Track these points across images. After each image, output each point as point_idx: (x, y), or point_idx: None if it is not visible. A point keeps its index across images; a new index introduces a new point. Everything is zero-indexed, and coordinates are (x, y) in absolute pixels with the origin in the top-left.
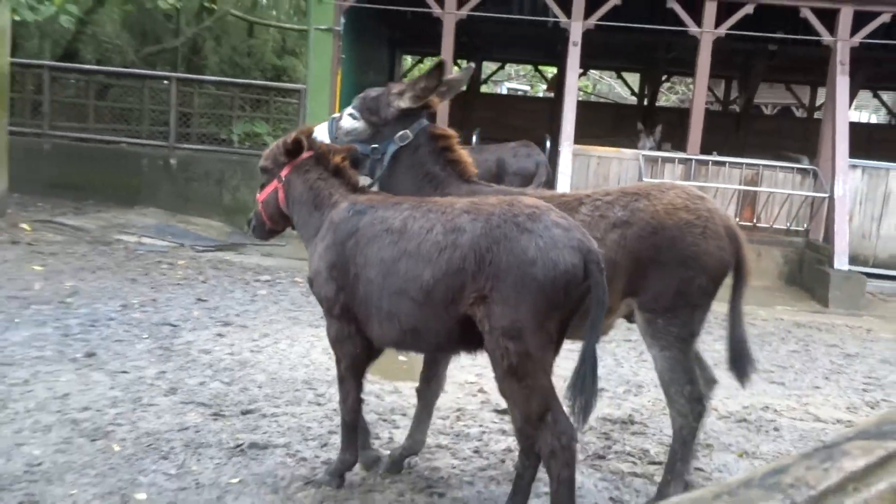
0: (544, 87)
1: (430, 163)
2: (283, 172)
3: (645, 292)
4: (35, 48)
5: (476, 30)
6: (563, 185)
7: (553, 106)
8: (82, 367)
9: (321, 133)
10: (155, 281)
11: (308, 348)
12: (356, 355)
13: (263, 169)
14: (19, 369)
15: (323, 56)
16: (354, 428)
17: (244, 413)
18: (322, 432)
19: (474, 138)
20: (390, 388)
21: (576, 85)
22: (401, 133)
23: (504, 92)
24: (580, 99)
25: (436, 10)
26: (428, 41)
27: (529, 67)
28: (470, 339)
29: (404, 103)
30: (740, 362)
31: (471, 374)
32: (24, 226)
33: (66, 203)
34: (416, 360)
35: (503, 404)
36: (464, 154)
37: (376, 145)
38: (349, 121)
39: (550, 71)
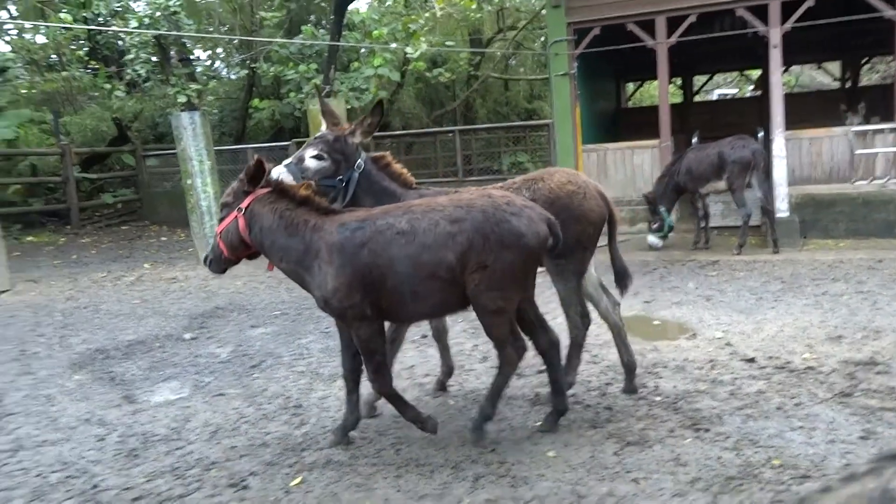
0: (751, 87)
1: (382, 180)
2: (243, 204)
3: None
4: None
5: (685, 51)
6: (780, 167)
7: (761, 103)
8: (421, 346)
9: (283, 176)
10: None
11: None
12: (383, 346)
13: (224, 204)
14: None
15: (563, 95)
16: (398, 394)
17: (539, 372)
18: (599, 384)
19: (694, 139)
20: (650, 347)
21: (780, 82)
22: (357, 162)
23: (714, 98)
24: (785, 92)
25: (649, 41)
26: (646, 68)
27: (736, 73)
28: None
29: (358, 139)
30: (622, 279)
31: (717, 331)
32: None
33: None
34: (669, 321)
35: (749, 354)
36: (400, 168)
37: (340, 177)
38: (315, 162)
39: (755, 73)
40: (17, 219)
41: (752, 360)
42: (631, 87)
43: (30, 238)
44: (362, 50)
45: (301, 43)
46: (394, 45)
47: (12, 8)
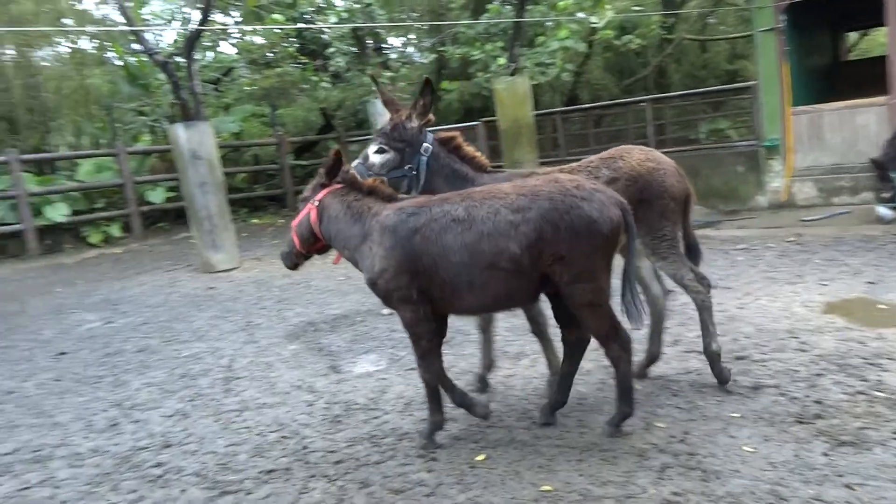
0: None
1: (452, 163)
2: (318, 197)
3: (640, 221)
4: (548, 100)
5: None
6: None
7: None
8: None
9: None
10: None
11: (788, 303)
12: (432, 331)
13: (303, 199)
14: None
15: (769, 53)
16: (438, 391)
17: (737, 359)
18: (808, 375)
19: None
20: (874, 335)
21: None
22: (424, 146)
23: None
24: None
25: None
26: (870, 13)
27: None
28: (537, 293)
29: (416, 122)
30: (692, 254)
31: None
32: None
33: None
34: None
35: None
36: (472, 149)
37: (409, 165)
38: (379, 157)
39: None
40: (244, 203)
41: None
42: (853, 37)
43: (254, 220)
44: (548, 23)
45: (486, 22)
46: (580, 16)
47: (235, 14)
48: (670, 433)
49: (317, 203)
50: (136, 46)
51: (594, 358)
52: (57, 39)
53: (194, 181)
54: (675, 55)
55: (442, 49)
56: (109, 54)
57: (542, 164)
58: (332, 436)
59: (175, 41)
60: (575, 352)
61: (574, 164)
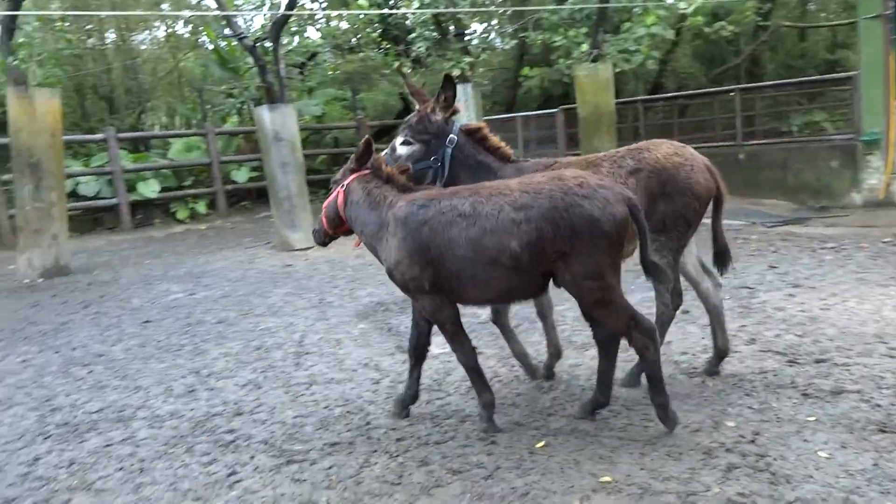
0: None
1: (477, 153)
2: (347, 181)
3: (653, 218)
4: (632, 88)
5: None
6: None
7: None
8: (679, 322)
9: None
10: (733, 253)
11: (878, 306)
12: (454, 315)
13: (334, 181)
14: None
15: (874, 41)
16: (479, 370)
17: (817, 361)
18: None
19: None
20: None
21: None
22: (449, 137)
23: None
24: None
25: None
26: None
27: None
28: (543, 288)
29: (440, 116)
30: (723, 259)
31: None
32: None
33: None
34: None
35: None
36: (497, 140)
37: (435, 156)
38: (404, 148)
39: None
40: (322, 185)
41: None
42: None
43: None
44: (635, 9)
45: (571, 7)
46: (668, 1)
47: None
48: (740, 433)
49: (344, 187)
50: (227, 31)
51: (663, 352)
52: (155, 24)
53: (276, 162)
54: (771, 43)
55: (524, 35)
56: (202, 38)
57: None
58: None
59: (263, 26)
60: (607, 349)
61: (600, 154)
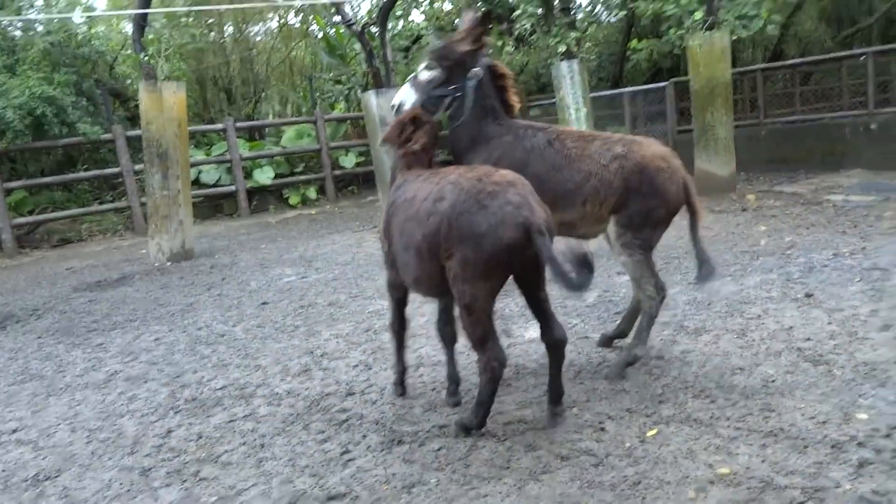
0: None
1: (490, 97)
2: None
3: (625, 212)
4: (749, 57)
5: None
6: None
7: None
8: (803, 306)
9: (404, 93)
10: (863, 232)
11: None
12: (398, 297)
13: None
14: (753, 306)
15: None
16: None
17: None
18: None
19: None
20: None
21: None
22: (475, 70)
23: None
24: None
25: None
26: None
27: None
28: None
29: (466, 47)
30: (704, 271)
31: None
32: (750, 196)
33: (782, 175)
34: None
35: None
36: (514, 92)
37: (454, 86)
38: (426, 73)
39: None
40: None
41: None
42: None
43: None
44: None
45: None
46: None
47: None
48: (873, 426)
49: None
50: (336, 18)
51: (784, 339)
52: (269, 15)
53: (383, 146)
54: None
55: (633, 5)
56: (312, 27)
57: (737, 126)
58: (501, 398)
59: (369, 12)
60: (554, 353)
61: (596, 133)
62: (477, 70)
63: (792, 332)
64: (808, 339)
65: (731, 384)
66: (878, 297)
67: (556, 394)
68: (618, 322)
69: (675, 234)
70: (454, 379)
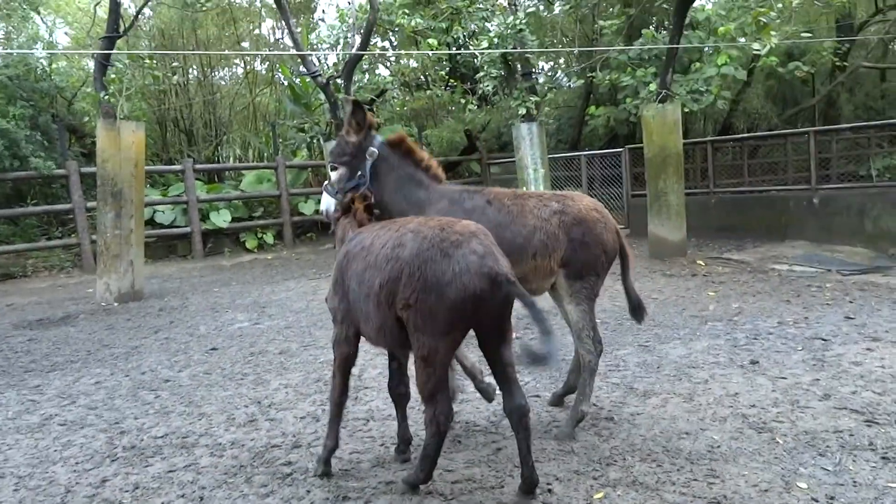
0: None
1: (406, 166)
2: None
3: (572, 262)
4: (700, 129)
5: None
6: None
7: None
8: (748, 372)
9: (325, 200)
10: (806, 301)
11: None
12: (346, 354)
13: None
14: (701, 371)
15: None
16: (338, 417)
17: None
18: None
19: None
20: None
21: None
22: (369, 151)
23: None
24: None
25: None
26: None
27: None
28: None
29: (353, 138)
30: (637, 312)
31: None
32: (700, 262)
33: (730, 242)
34: None
35: None
36: (425, 155)
37: (360, 172)
38: (333, 174)
39: None
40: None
41: None
42: None
43: None
44: (706, 49)
45: (639, 49)
46: (741, 41)
47: (393, 38)
48: (812, 496)
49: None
50: (302, 69)
51: (730, 405)
52: (235, 62)
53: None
54: (848, 84)
55: (591, 74)
56: (278, 75)
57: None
58: (451, 455)
59: (335, 64)
60: (514, 423)
61: (528, 191)
62: (371, 149)
63: (737, 399)
64: (753, 405)
65: (678, 448)
66: (820, 366)
67: (527, 482)
68: (565, 380)
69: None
70: (405, 439)
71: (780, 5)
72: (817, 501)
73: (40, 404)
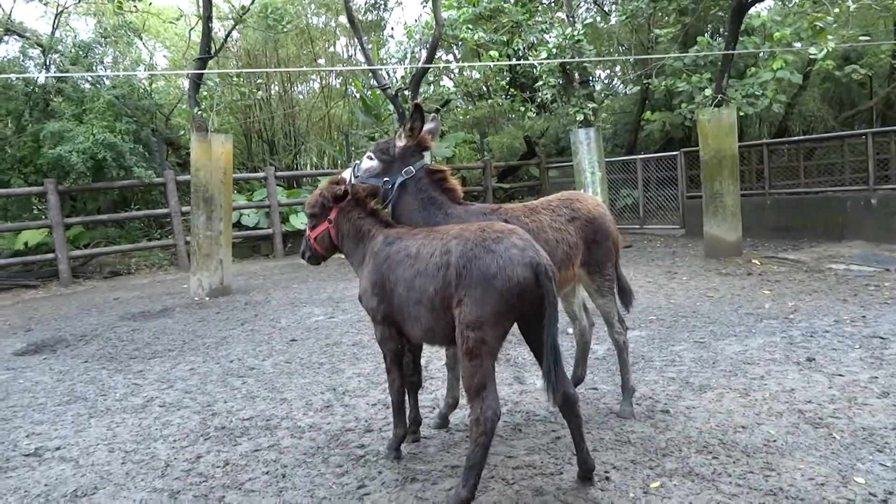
0: None
1: (430, 190)
2: (331, 216)
3: (591, 260)
4: (755, 132)
5: None
6: None
7: None
8: (804, 369)
9: (347, 175)
10: (863, 300)
11: None
12: (395, 350)
13: (311, 215)
14: (756, 367)
15: None
16: (401, 407)
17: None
18: None
19: None
20: None
21: None
22: (406, 168)
23: None
24: None
25: None
26: None
27: None
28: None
29: (402, 142)
30: (625, 297)
31: None
32: (755, 261)
33: (786, 242)
34: None
35: None
36: (455, 183)
37: (387, 178)
38: (367, 162)
39: None
40: None
41: None
42: None
43: None
44: (761, 54)
45: (695, 55)
46: (797, 46)
47: (457, 51)
48: (870, 490)
49: (332, 222)
50: (373, 82)
51: (786, 400)
52: (312, 77)
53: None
54: None
55: (647, 81)
56: (351, 89)
57: (743, 195)
58: (512, 442)
59: (403, 77)
60: (565, 413)
61: (536, 202)
62: (409, 168)
63: (794, 395)
64: (809, 401)
65: (734, 441)
66: (878, 364)
67: (584, 467)
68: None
69: (684, 295)
70: (416, 420)
71: (836, 10)
72: (875, 496)
73: (143, 388)
